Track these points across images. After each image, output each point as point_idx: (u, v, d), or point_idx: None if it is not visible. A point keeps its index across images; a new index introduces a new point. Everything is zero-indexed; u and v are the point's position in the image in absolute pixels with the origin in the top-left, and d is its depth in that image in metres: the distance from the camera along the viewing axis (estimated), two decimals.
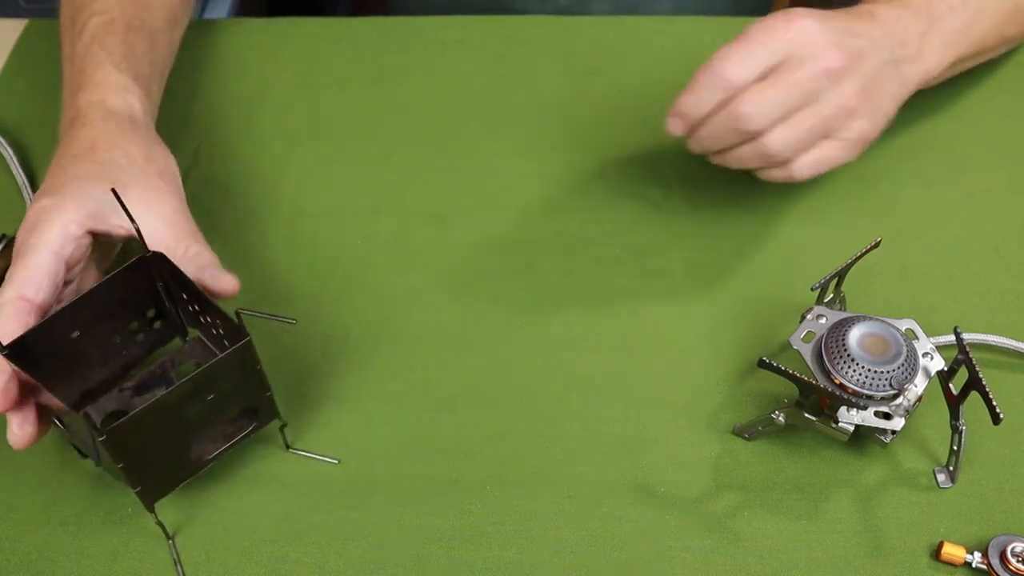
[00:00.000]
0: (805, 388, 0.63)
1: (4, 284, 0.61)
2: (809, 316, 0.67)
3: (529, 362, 0.73)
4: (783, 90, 0.68)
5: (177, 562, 0.64)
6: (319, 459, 0.69)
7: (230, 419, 0.65)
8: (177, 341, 0.70)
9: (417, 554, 0.65)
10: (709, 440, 0.69)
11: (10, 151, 0.84)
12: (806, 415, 0.64)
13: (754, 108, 0.68)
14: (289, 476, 0.68)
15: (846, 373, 0.63)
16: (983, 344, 0.72)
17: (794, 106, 0.68)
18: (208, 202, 0.82)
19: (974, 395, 0.63)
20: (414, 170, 0.84)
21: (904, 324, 0.67)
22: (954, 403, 0.65)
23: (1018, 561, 0.62)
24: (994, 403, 0.61)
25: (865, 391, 0.63)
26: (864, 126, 0.71)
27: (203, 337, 0.69)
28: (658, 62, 0.92)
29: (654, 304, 0.76)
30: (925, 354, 0.65)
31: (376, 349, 0.74)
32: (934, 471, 0.68)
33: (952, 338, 0.65)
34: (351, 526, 0.66)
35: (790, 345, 0.66)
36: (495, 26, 0.96)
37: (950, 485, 0.67)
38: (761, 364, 0.62)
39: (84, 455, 0.66)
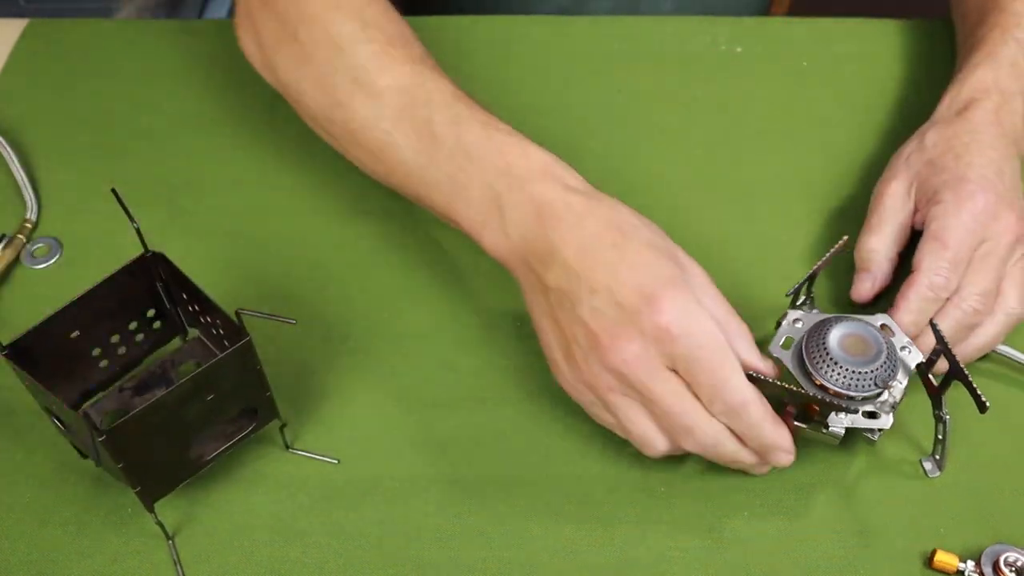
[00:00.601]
0: (794, 398, 0.63)
1: None
2: (785, 322, 0.68)
3: (529, 362, 0.73)
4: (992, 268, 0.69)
5: (177, 562, 0.64)
6: (319, 459, 0.69)
7: (230, 419, 0.65)
8: (177, 341, 0.70)
9: (417, 554, 0.65)
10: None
11: (10, 151, 0.84)
12: (795, 423, 0.64)
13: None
14: (289, 476, 0.68)
15: (830, 376, 0.63)
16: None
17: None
18: (207, 201, 0.82)
19: (958, 388, 0.63)
20: None
21: (879, 320, 0.68)
22: (935, 394, 0.65)
23: (1011, 571, 0.62)
24: (978, 391, 0.61)
25: (850, 392, 0.63)
26: None
27: (203, 337, 0.69)
28: (658, 62, 0.92)
29: None
30: (903, 348, 0.67)
31: (376, 349, 0.74)
32: (920, 461, 0.68)
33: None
34: (351, 526, 0.66)
35: (770, 354, 0.66)
36: (495, 26, 0.96)
37: (938, 474, 0.67)
38: (750, 379, 0.61)
39: (84, 455, 0.66)
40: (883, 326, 0.68)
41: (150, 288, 0.66)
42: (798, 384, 0.64)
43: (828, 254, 0.68)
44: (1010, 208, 0.70)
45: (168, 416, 0.58)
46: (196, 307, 0.65)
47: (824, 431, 0.64)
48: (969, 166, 0.71)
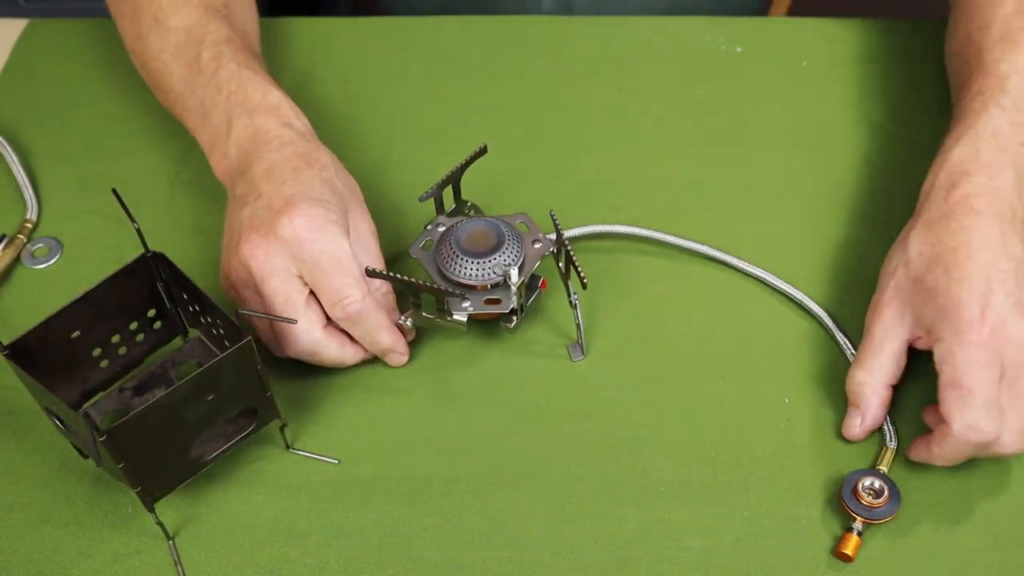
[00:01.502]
0: (411, 289, 0.68)
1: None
2: (430, 226, 0.73)
3: (529, 362, 0.73)
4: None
5: (177, 562, 0.64)
6: (319, 459, 0.69)
7: (230, 419, 0.65)
8: (177, 341, 0.70)
9: (417, 554, 0.65)
10: (710, 440, 0.69)
11: (10, 151, 0.84)
12: (424, 314, 0.70)
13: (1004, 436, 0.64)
14: (289, 476, 0.68)
15: (457, 271, 0.69)
16: (609, 233, 0.78)
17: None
18: (205, 201, 0.82)
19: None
20: (414, 170, 0.84)
21: (517, 219, 0.72)
22: (563, 280, 0.71)
23: (868, 495, 0.64)
24: (580, 272, 0.67)
25: (474, 282, 0.69)
26: None
27: (203, 337, 0.69)
28: (658, 62, 0.92)
29: (654, 303, 0.76)
30: (535, 241, 0.71)
31: None
32: (567, 347, 0.73)
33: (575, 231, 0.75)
34: (351, 526, 0.66)
35: (409, 254, 0.71)
36: (495, 26, 0.96)
37: (581, 357, 0.73)
38: (369, 273, 0.67)
39: (84, 455, 0.66)
40: (520, 223, 0.72)
41: (151, 288, 0.66)
42: (429, 279, 0.70)
43: (466, 159, 0.72)
44: (1019, 316, 0.63)
45: (168, 416, 0.58)
46: (196, 307, 0.65)
47: (449, 319, 0.69)
48: (960, 283, 0.64)
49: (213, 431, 0.64)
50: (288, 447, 0.69)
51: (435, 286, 0.67)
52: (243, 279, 0.68)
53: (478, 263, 0.69)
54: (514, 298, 0.69)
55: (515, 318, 0.70)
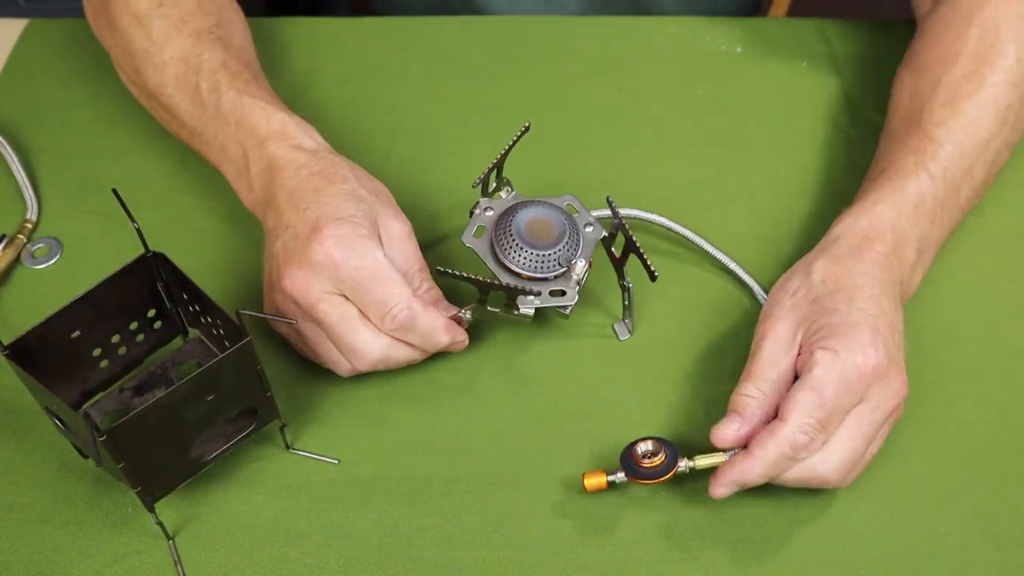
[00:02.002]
0: (483, 287, 0.67)
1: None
2: (477, 211, 0.71)
3: (529, 361, 0.73)
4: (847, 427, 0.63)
5: (177, 562, 0.64)
6: (319, 459, 0.69)
7: (230, 419, 0.65)
8: (178, 341, 0.70)
9: (417, 554, 0.65)
10: (710, 440, 0.69)
11: (10, 151, 0.84)
12: (490, 308, 0.68)
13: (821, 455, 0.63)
14: (289, 476, 0.68)
15: (518, 260, 0.68)
16: (634, 219, 0.78)
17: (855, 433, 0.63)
18: (205, 200, 0.82)
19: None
20: (414, 170, 0.84)
21: (565, 201, 0.71)
22: (618, 265, 0.70)
23: (647, 458, 0.64)
24: (649, 263, 0.67)
25: (538, 275, 0.68)
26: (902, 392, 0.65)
27: (203, 337, 0.69)
28: (658, 62, 0.92)
29: (654, 303, 0.76)
30: (587, 224, 0.70)
31: None
32: (613, 326, 0.74)
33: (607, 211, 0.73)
34: (351, 526, 0.66)
35: (463, 243, 0.69)
36: (495, 26, 0.96)
37: (628, 336, 0.74)
38: (440, 273, 0.66)
39: (84, 455, 0.66)
40: (568, 205, 0.71)
41: (151, 288, 0.66)
42: (491, 274, 0.68)
43: (514, 139, 0.70)
44: (899, 370, 0.64)
45: (169, 416, 0.58)
46: (197, 307, 0.65)
47: (515, 312, 0.68)
48: (863, 313, 0.64)
49: (213, 431, 0.64)
50: (288, 447, 0.69)
51: (506, 284, 0.66)
52: (294, 312, 0.67)
53: (542, 255, 0.67)
54: (578, 289, 0.68)
55: (571, 305, 0.69)
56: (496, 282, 0.66)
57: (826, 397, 0.61)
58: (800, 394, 0.62)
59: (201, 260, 0.77)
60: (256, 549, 0.65)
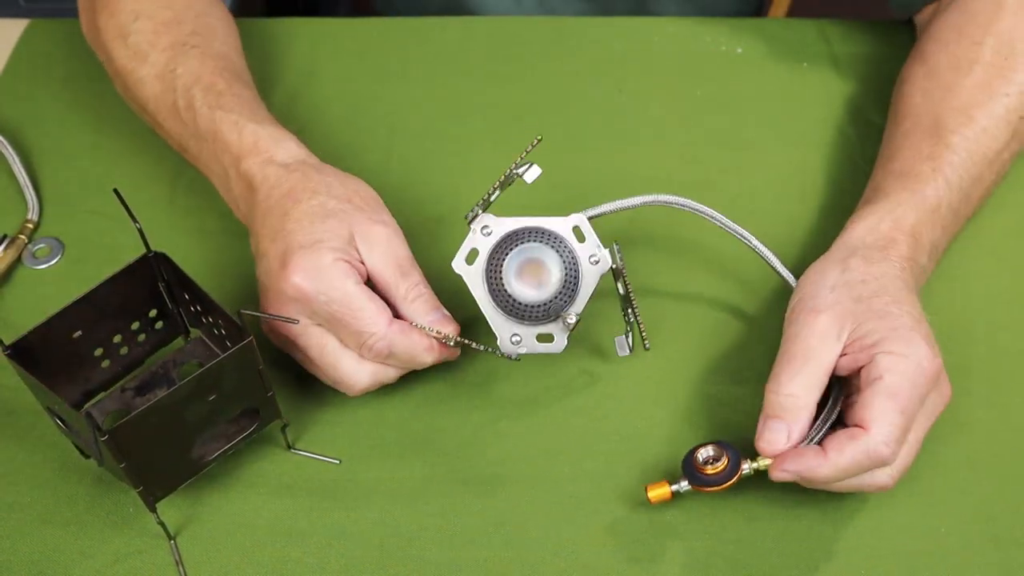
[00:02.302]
0: (462, 346, 0.66)
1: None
2: (474, 226, 0.67)
3: (529, 361, 0.73)
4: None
5: (179, 562, 0.65)
6: (320, 459, 0.69)
7: (232, 419, 0.65)
8: (179, 341, 0.70)
9: (418, 554, 0.65)
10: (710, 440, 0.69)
11: (11, 151, 0.84)
12: (474, 346, 0.67)
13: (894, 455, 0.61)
14: (290, 476, 0.68)
15: (506, 304, 0.66)
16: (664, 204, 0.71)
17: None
18: (206, 201, 0.82)
19: None
20: (414, 170, 0.84)
21: (572, 222, 0.66)
22: (620, 298, 0.68)
23: (709, 464, 0.63)
24: (643, 331, 0.66)
25: (526, 324, 0.66)
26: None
27: (205, 337, 0.69)
28: (658, 62, 0.92)
29: (654, 303, 0.76)
30: (592, 257, 0.66)
31: None
32: (615, 340, 0.71)
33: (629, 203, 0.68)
34: (352, 526, 0.66)
35: (453, 270, 0.66)
36: (495, 26, 0.96)
37: (627, 353, 0.70)
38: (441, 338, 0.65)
39: (86, 455, 0.66)
40: (575, 228, 0.66)
41: (152, 288, 0.66)
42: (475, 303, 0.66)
43: (525, 152, 0.64)
44: (945, 374, 0.64)
45: (170, 416, 0.58)
46: (198, 307, 0.65)
47: (499, 354, 0.67)
48: (912, 318, 0.64)
49: (215, 431, 0.64)
50: (289, 447, 0.69)
51: (493, 351, 0.66)
52: (283, 342, 0.68)
53: (531, 308, 0.65)
54: (567, 337, 0.67)
55: (564, 343, 0.67)
56: (487, 349, 0.67)
57: (903, 404, 0.60)
58: (880, 401, 0.60)
59: (202, 260, 0.78)
60: (257, 549, 0.65)
